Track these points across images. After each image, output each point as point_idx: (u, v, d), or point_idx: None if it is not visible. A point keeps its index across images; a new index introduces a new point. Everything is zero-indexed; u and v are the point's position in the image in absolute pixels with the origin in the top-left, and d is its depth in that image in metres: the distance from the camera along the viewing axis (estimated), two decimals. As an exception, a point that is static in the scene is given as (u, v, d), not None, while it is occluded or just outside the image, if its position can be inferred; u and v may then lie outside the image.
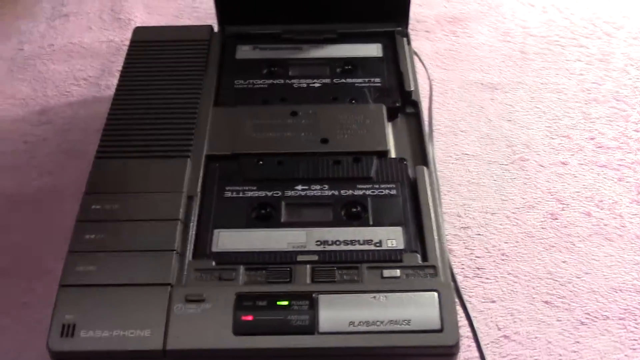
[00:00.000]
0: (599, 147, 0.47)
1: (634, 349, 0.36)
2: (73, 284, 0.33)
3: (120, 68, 0.52)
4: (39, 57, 0.55)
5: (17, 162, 0.46)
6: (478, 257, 0.40)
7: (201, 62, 0.45)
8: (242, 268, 0.34)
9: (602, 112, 0.50)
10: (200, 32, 0.47)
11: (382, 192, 0.37)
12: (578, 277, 0.39)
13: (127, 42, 0.55)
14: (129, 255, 0.34)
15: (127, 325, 0.31)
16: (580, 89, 0.52)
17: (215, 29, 0.48)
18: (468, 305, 0.37)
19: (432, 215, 0.36)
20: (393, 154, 0.40)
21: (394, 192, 0.37)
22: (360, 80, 0.44)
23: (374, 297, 0.32)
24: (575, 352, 0.36)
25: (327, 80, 0.44)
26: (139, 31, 0.47)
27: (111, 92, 0.51)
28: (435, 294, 0.32)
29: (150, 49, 0.46)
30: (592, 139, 0.48)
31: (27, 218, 0.42)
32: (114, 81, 0.52)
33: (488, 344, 0.36)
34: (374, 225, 0.36)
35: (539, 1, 0.60)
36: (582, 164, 0.46)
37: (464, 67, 0.54)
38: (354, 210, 0.36)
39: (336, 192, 0.37)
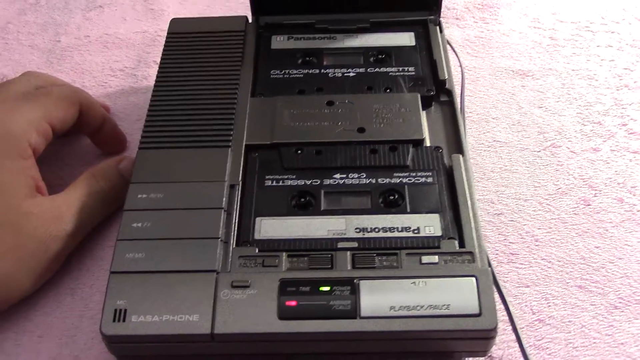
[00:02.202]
0: (631, 133, 0.47)
1: (668, 333, 0.37)
2: (123, 271, 0.34)
3: (155, 58, 0.54)
4: (76, 49, 0.56)
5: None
6: (512, 242, 0.41)
7: (237, 53, 0.45)
8: (284, 255, 0.35)
9: (633, 99, 0.50)
10: (236, 22, 0.48)
11: (418, 180, 0.38)
12: (611, 262, 0.40)
13: (162, 33, 0.56)
14: (175, 243, 0.35)
15: (176, 310, 0.32)
16: (612, 75, 0.52)
17: (249, 19, 0.49)
18: (503, 290, 0.37)
19: (469, 202, 0.36)
20: (428, 142, 0.41)
21: (430, 179, 0.38)
22: (394, 69, 0.45)
23: (414, 282, 0.33)
24: (609, 335, 0.37)
25: (362, 70, 0.45)
26: (175, 23, 0.48)
27: (148, 82, 0.52)
28: (474, 279, 0.33)
29: (187, 41, 0.46)
30: (623, 125, 0.48)
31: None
32: (150, 71, 0.53)
33: (523, 327, 0.37)
34: (411, 212, 0.37)
35: (568, -14, 0.60)
36: (614, 150, 0.46)
37: (495, 54, 0.54)
38: (392, 198, 0.37)
39: (373, 181, 0.38)
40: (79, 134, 0.46)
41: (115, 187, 0.41)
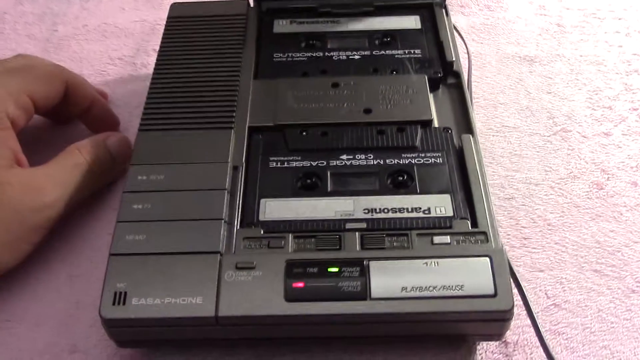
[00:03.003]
0: (642, 117, 0.46)
1: (688, 317, 0.35)
2: (123, 253, 0.33)
3: (154, 47, 0.53)
4: (74, 38, 0.55)
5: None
6: (524, 227, 0.40)
7: (239, 37, 0.44)
8: (290, 236, 0.33)
9: (643, 83, 0.49)
10: (237, 6, 0.47)
11: (427, 160, 0.37)
12: (627, 246, 0.39)
13: (160, 22, 0.55)
14: (177, 225, 0.34)
15: (178, 292, 0.31)
16: (621, 61, 0.51)
17: (251, 3, 0.48)
18: (517, 275, 0.36)
19: (480, 182, 0.35)
20: (436, 124, 0.39)
21: (439, 160, 0.37)
22: (400, 52, 0.44)
23: (425, 263, 0.32)
24: (627, 319, 0.35)
25: (367, 53, 0.44)
26: (175, 8, 0.47)
27: (147, 70, 0.51)
28: (488, 259, 0.32)
29: (188, 25, 0.45)
30: (634, 109, 0.47)
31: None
32: (150, 60, 0.52)
33: (538, 312, 0.36)
34: (421, 193, 0.35)
35: (574, -26, 0.60)
36: (625, 135, 0.45)
37: (501, 41, 0.53)
38: (401, 178, 0.36)
39: (381, 162, 0.37)
40: (69, 115, 0.45)
41: (100, 161, 0.40)
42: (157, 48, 0.45)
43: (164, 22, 0.47)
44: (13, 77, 0.39)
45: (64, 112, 0.44)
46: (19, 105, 0.39)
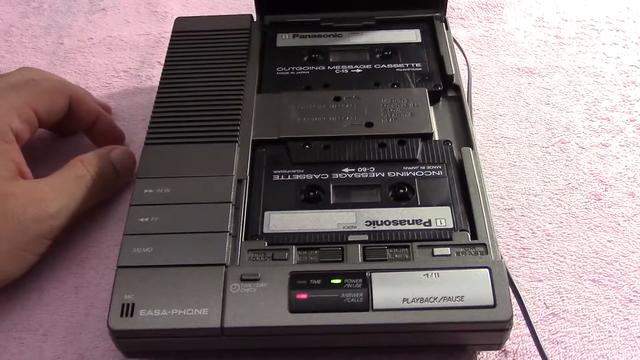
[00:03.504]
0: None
1: (684, 326, 0.36)
2: (130, 265, 0.33)
3: (159, 59, 0.54)
4: (79, 51, 0.56)
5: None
6: (523, 237, 0.40)
7: (243, 51, 0.45)
8: (294, 248, 0.34)
9: (641, 95, 0.50)
10: (241, 21, 0.48)
11: (428, 173, 0.38)
12: (624, 256, 0.39)
13: (165, 35, 0.56)
14: (183, 237, 0.34)
15: (184, 304, 0.32)
16: (618, 72, 0.52)
17: (255, 17, 0.49)
18: (516, 284, 0.37)
19: (480, 194, 0.36)
20: (437, 137, 0.40)
21: (440, 173, 0.38)
22: (400, 65, 0.45)
23: (426, 274, 0.33)
24: (625, 328, 0.36)
25: (368, 66, 0.45)
26: (179, 22, 0.48)
27: (152, 83, 0.52)
28: (487, 270, 0.33)
29: (192, 38, 0.46)
30: (632, 120, 0.48)
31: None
32: (154, 72, 0.53)
33: (537, 321, 0.36)
34: (422, 205, 0.36)
35: (572, -14, 0.60)
36: (623, 146, 0.46)
37: (500, 53, 0.54)
38: (402, 191, 0.37)
39: (383, 174, 0.38)
40: (74, 129, 0.46)
41: (104, 174, 0.41)
42: (162, 61, 0.45)
43: (169, 35, 0.47)
44: (17, 92, 0.40)
45: (68, 126, 0.45)
46: (23, 119, 0.39)
